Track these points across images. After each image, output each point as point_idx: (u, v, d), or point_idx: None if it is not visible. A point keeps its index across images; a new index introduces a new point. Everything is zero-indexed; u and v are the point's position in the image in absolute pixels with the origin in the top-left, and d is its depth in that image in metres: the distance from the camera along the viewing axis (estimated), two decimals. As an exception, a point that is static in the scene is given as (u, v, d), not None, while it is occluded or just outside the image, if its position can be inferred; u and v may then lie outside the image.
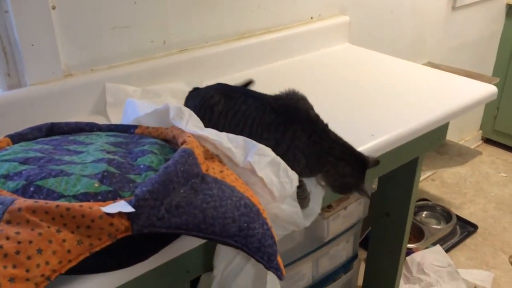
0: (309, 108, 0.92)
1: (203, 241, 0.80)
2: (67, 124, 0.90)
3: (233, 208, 0.72)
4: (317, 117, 0.92)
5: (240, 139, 0.81)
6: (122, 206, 0.60)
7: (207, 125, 0.86)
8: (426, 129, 1.17)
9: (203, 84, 1.16)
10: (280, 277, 0.81)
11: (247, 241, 0.73)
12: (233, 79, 1.35)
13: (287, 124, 0.88)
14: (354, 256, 1.63)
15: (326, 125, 0.91)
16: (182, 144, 0.78)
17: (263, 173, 0.78)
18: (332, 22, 1.63)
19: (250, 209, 0.74)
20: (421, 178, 2.41)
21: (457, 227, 2.05)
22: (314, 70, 1.48)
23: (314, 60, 1.55)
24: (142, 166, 0.75)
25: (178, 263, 0.82)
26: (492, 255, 1.92)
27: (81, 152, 0.77)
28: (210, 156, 0.83)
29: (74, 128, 0.89)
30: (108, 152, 0.77)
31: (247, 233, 0.73)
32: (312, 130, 0.88)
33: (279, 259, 0.80)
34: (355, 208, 1.49)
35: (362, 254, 1.73)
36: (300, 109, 0.90)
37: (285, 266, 1.34)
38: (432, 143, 1.37)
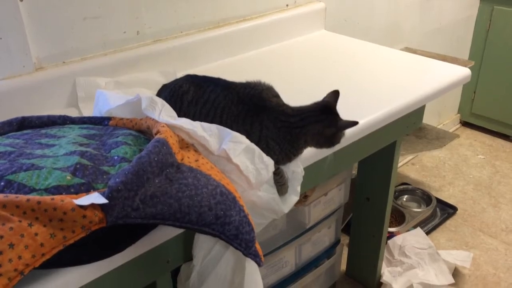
0: (273, 96, 0.92)
1: (180, 230, 0.80)
2: (38, 117, 0.88)
3: (209, 197, 0.72)
4: (278, 103, 0.92)
5: (214, 127, 0.81)
6: (95, 198, 0.60)
7: (178, 114, 0.85)
8: (403, 113, 1.19)
9: (177, 75, 1.15)
10: (259, 263, 0.81)
11: (224, 229, 0.73)
12: (209, 69, 1.34)
13: (254, 114, 0.88)
14: (337, 242, 1.64)
15: (286, 106, 0.91)
16: (156, 134, 0.77)
17: (238, 160, 0.78)
18: (308, 9, 1.63)
19: (226, 197, 0.74)
20: (402, 162, 2.44)
21: (437, 209, 2.09)
22: (291, 57, 1.48)
23: (290, 48, 1.55)
24: (116, 157, 0.74)
25: (157, 254, 0.82)
26: (472, 236, 1.96)
27: (53, 146, 0.76)
28: (185, 145, 0.82)
29: (46, 121, 0.87)
30: (81, 145, 0.76)
31: (224, 221, 0.73)
32: (276, 117, 0.88)
33: (257, 245, 0.81)
34: (335, 194, 1.51)
35: (345, 239, 1.75)
36: (264, 98, 0.90)
37: (268, 253, 1.36)
38: (409, 127, 1.39)
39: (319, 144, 0.92)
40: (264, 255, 1.35)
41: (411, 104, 1.20)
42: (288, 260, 1.46)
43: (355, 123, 0.90)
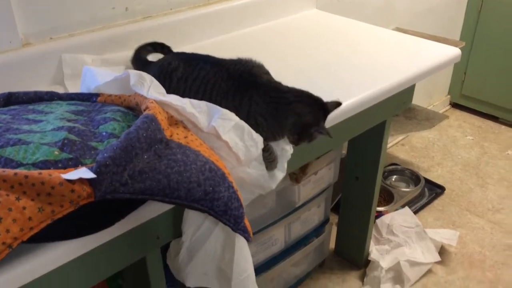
0: (263, 73, 0.92)
1: (169, 207, 0.80)
2: (25, 93, 0.88)
3: (198, 173, 0.72)
4: (269, 79, 0.92)
5: (203, 104, 0.81)
6: (83, 172, 0.60)
7: (167, 91, 0.85)
8: (392, 92, 1.19)
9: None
10: (247, 239, 0.82)
11: (213, 205, 0.74)
12: (199, 47, 1.33)
13: (243, 90, 0.88)
14: (326, 220, 1.66)
15: (278, 83, 0.92)
16: (145, 110, 0.77)
17: (227, 137, 0.79)
18: (299, -13, 1.61)
19: (215, 173, 0.75)
20: (391, 143, 2.46)
21: (425, 189, 2.11)
22: (282, 36, 1.47)
23: (281, 26, 1.53)
24: (104, 133, 0.74)
25: (147, 230, 0.83)
26: (458, 215, 1.99)
27: (40, 121, 0.75)
28: (174, 122, 0.82)
29: (33, 97, 0.86)
30: (69, 121, 0.76)
31: (213, 197, 0.73)
32: (266, 92, 0.88)
33: (246, 221, 0.82)
34: (325, 173, 1.52)
35: (334, 218, 1.77)
36: (255, 74, 0.90)
37: (257, 231, 1.38)
38: (399, 106, 1.40)
39: (295, 131, 0.91)
40: (254, 233, 1.37)
41: (401, 83, 1.20)
42: (277, 238, 1.47)
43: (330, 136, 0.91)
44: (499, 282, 1.67)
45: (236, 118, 0.81)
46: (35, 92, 0.89)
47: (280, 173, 0.94)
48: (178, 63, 0.92)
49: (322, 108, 0.92)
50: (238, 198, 0.79)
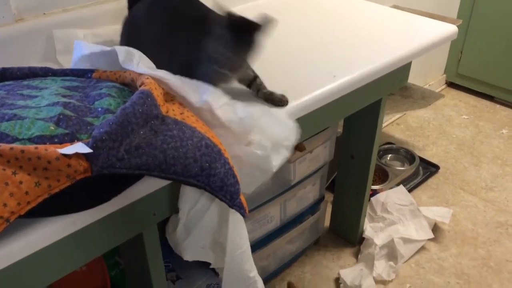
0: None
1: (166, 182, 0.80)
2: (19, 69, 0.87)
3: (194, 149, 0.72)
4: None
5: (193, 81, 0.81)
6: (79, 147, 0.60)
7: (135, 43, 0.84)
8: (388, 69, 1.19)
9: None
10: (243, 215, 0.83)
11: (210, 181, 0.74)
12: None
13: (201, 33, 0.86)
14: (321, 198, 1.68)
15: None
16: (140, 86, 0.76)
17: (220, 111, 0.78)
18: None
19: (212, 149, 0.75)
20: (387, 122, 2.47)
21: (420, 168, 2.13)
22: (279, 12, 1.45)
23: (275, 4, 1.52)
24: (99, 109, 0.74)
25: (144, 206, 0.83)
26: (452, 193, 2.01)
27: (35, 97, 0.75)
28: (170, 98, 0.82)
29: (27, 73, 0.86)
30: (64, 96, 0.75)
31: (209, 173, 0.74)
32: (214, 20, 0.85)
33: (242, 197, 0.82)
34: (320, 151, 1.52)
35: (329, 197, 1.79)
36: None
37: (253, 209, 1.39)
38: (395, 84, 1.39)
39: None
40: (250, 211, 1.38)
41: (397, 60, 1.20)
42: (273, 215, 1.49)
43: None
44: (491, 258, 1.70)
45: (226, 98, 0.81)
46: (29, 68, 0.88)
47: (282, 159, 0.93)
48: (143, 11, 0.91)
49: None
50: (234, 175, 0.79)
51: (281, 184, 1.45)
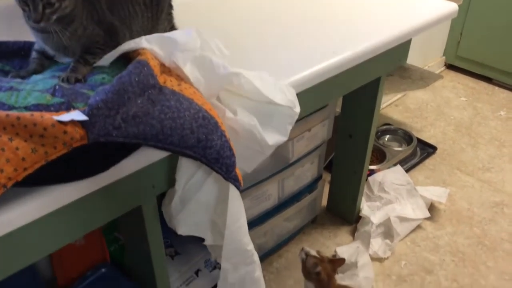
0: None
1: (164, 154, 0.80)
2: (15, 43, 0.86)
3: (191, 120, 0.72)
4: None
5: (156, 36, 0.79)
6: (75, 115, 0.60)
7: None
8: (388, 46, 1.18)
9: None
10: (238, 187, 0.84)
11: (206, 152, 0.75)
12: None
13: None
14: (319, 177, 1.68)
15: None
16: (136, 57, 0.76)
17: (188, 70, 0.78)
18: None
19: (208, 121, 0.75)
20: (385, 104, 2.46)
21: (418, 149, 2.13)
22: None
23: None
24: (94, 83, 0.74)
25: (142, 178, 0.83)
26: (449, 174, 2.02)
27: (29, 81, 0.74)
28: (168, 70, 0.82)
29: (22, 47, 0.85)
30: (59, 76, 0.75)
31: (206, 145, 0.74)
32: None
33: (237, 170, 0.83)
34: (319, 130, 1.53)
35: (327, 177, 1.79)
36: None
37: (251, 186, 1.40)
38: (394, 63, 1.39)
39: None
40: (248, 188, 1.39)
41: (397, 37, 1.19)
42: (271, 193, 1.49)
43: None
44: (485, 237, 1.72)
45: (198, 51, 0.80)
46: (25, 42, 0.87)
47: (281, 137, 0.93)
48: None
49: None
50: (230, 147, 0.79)
51: (279, 162, 1.46)
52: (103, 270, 1.14)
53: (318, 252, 1.26)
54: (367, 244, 1.64)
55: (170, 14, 0.97)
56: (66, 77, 0.73)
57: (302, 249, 1.27)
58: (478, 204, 1.86)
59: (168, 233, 1.40)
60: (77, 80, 0.73)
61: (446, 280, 1.56)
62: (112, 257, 1.29)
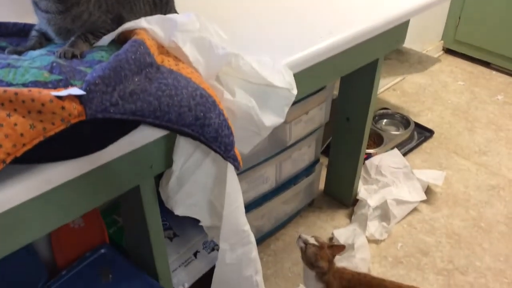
0: None
1: (162, 133, 0.81)
2: (15, 24, 0.86)
3: (189, 98, 0.72)
4: None
5: (156, 17, 0.79)
6: (72, 90, 0.60)
7: None
8: (385, 27, 1.18)
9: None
10: (237, 167, 0.84)
11: (204, 131, 0.75)
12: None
13: None
14: (316, 161, 1.69)
15: None
16: (133, 36, 0.76)
17: (187, 50, 0.78)
18: None
19: (206, 100, 0.75)
20: (383, 88, 2.46)
21: (415, 133, 2.14)
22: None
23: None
24: (92, 60, 0.74)
25: (140, 158, 0.83)
26: (446, 157, 2.03)
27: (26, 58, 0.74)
28: (166, 51, 0.82)
29: (22, 28, 0.85)
30: (57, 51, 0.75)
31: (204, 123, 0.74)
32: None
33: (236, 150, 0.83)
34: (316, 113, 1.53)
35: (324, 161, 1.80)
36: None
37: (249, 169, 1.40)
38: (392, 45, 1.39)
39: None
40: (246, 171, 1.40)
41: (395, 18, 1.19)
42: (268, 176, 1.50)
43: None
44: (481, 219, 1.73)
45: (195, 30, 0.80)
46: (25, 24, 0.87)
47: (278, 119, 0.93)
48: None
49: None
50: (229, 126, 0.80)
51: (276, 145, 1.46)
52: (102, 251, 1.15)
53: (316, 238, 1.26)
54: (364, 226, 1.65)
55: (175, 11, 0.97)
56: (64, 51, 0.73)
57: (300, 237, 1.27)
58: (474, 187, 1.88)
59: (167, 215, 1.41)
60: (74, 56, 0.73)
61: (442, 262, 1.57)
62: (111, 239, 1.30)
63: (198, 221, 1.06)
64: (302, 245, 1.26)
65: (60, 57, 0.72)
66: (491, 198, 1.82)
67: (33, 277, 1.10)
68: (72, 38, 0.77)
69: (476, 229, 1.69)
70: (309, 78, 1.11)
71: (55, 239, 1.24)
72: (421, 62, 2.10)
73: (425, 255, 1.60)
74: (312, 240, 1.26)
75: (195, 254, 1.35)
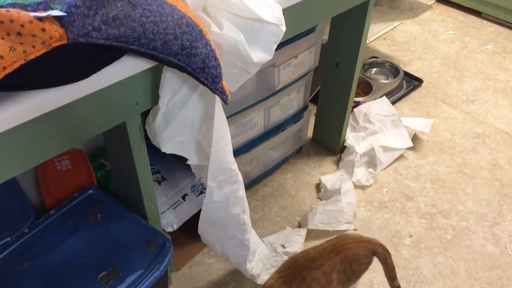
0: None
1: (148, 65, 0.79)
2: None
3: (175, 25, 0.70)
4: None
5: None
6: (52, 11, 0.58)
7: None
8: (376, -35, 1.15)
9: None
10: (225, 100, 0.83)
11: (191, 61, 0.73)
12: None
13: None
14: (305, 107, 1.69)
15: None
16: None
17: None
18: None
19: (193, 28, 0.73)
20: (373, 37, 2.43)
21: (404, 81, 2.14)
22: None
23: None
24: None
25: (126, 93, 0.82)
26: (433, 106, 2.04)
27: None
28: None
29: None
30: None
31: (190, 52, 0.73)
32: None
33: (223, 83, 0.82)
34: (305, 57, 1.51)
35: (313, 110, 1.80)
36: None
37: (237, 113, 1.39)
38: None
39: None
40: (234, 115, 1.39)
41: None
42: (257, 121, 1.50)
43: None
44: (466, 166, 1.76)
45: None
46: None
47: (266, 55, 0.91)
48: None
49: None
50: (216, 58, 0.78)
51: (265, 89, 1.45)
52: (90, 191, 1.15)
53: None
54: (350, 172, 1.67)
55: None
56: None
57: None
58: (460, 135, 1.90)
59: (155, 159, 1.41)
60: None
61: (425, 206, 1.61)
62: (99, 183, 1.30)
63: (187, 166, 1.06)
64: None
65: None
66: (476, 146, 1.85)
67: (20, 216, 1.10)
68: None
69: (460, 175, 1.73)
70: (298, 16, 1.09)
71: (42, 181, 1.24)
72: (412, 9, 2.07)
73: (410, 200, 1.63)
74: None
75: (183, 197, 1.36)
